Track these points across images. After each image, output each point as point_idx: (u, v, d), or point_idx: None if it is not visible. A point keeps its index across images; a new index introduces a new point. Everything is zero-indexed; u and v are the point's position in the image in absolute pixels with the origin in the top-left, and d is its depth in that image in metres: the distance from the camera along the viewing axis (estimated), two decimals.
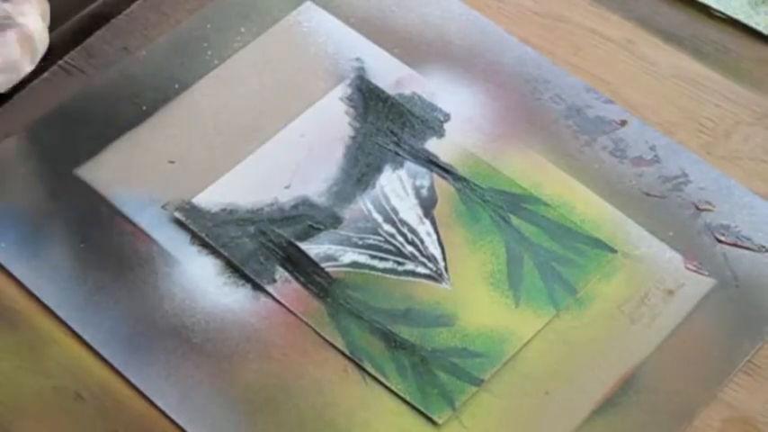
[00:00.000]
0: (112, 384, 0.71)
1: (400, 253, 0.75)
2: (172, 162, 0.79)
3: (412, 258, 0.75)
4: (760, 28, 0.85)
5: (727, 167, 0.79)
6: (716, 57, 0.84)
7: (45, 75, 0.83)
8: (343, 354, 0.72)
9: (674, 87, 0.83)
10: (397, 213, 0.77)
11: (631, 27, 0.85)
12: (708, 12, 0.86)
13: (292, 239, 0.76)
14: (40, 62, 0.85)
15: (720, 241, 0.76)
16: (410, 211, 0.77)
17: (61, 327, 0.73)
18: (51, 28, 0.88)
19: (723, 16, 0.86)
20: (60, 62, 0.83)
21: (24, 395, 0.71)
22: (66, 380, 0.71)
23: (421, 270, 0.75)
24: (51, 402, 0.71)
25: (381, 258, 0.75)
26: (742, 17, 0.85)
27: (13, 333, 0.73)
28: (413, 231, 0.76)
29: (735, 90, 0.82)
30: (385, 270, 0.75)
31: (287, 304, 0.74)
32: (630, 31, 0.85)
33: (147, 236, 0.76)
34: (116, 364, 0.72)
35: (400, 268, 0.75)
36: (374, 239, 0.76)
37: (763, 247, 0.76)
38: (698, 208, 0.77)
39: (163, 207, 0.77)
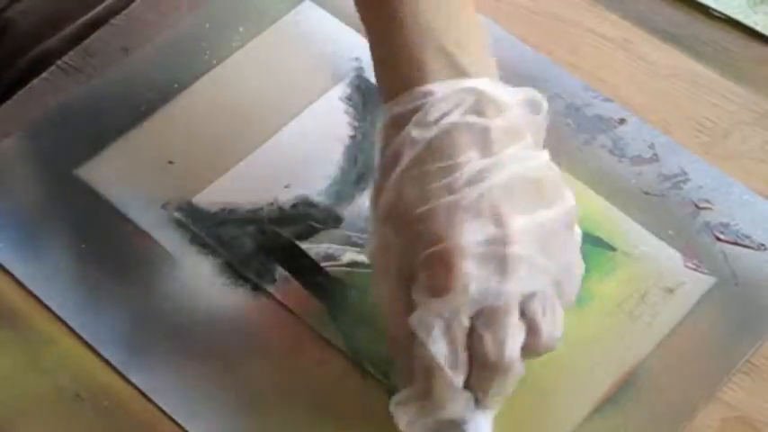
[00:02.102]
0: (112, 384, 0.71)
1: None
2: (171, 162, 0.79)
3: None
4: (758, 28, 0.85)
5: (725, 167, 0.79)
6: (714, 56, 0.84)
7: (44, 75, 0.83)
8: (343, 353, 0.72)
9: (673, 87, 0.83)
10: None
11: (630, 26, 0.85)
12: (706, 11, 0.86)
13: (292, 239, 0.76)
14: (41, 64, 0.85)
15: (720, 239, 0.76)
16: None
17: (60, 327, 0.73)
18: (52, 33, 0.89)
19: (722, 16, 0.86)
20: (59, 62, 0.83)
21: (23, 395, 0.71)
22: (65, 380, 0.71)
23: None
24: (50, 402, 0.71)
25: None
26: (741, 17, 0.85)
27: (13, 333, 0.73)
28: None
29: (733, 90, 0.82)
30: None
31: (287, 304, 0.74)
32: (629, 30, 0.85)
33: (147, 236, 0.76)
34: (116, 364, 0.72)
35: None
36: None
37: (763, 245, 0.76)
38: (697, 206, 0.77)
39: (162, 207, 0.77)
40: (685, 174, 0.78)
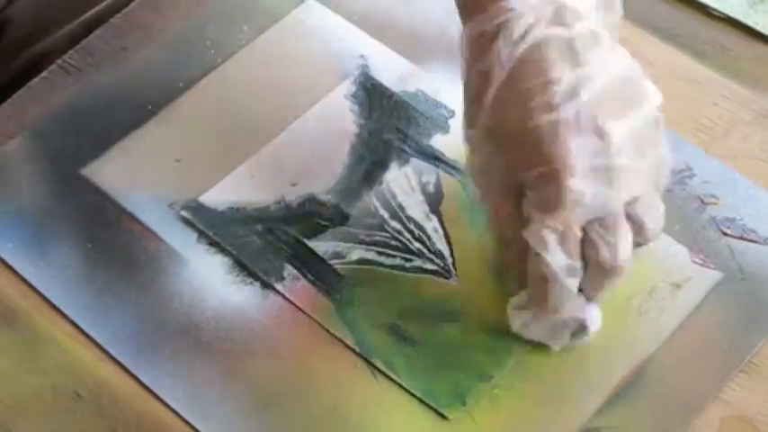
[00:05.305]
0: (111, 383, 0.71)
1: (407, 249, 0.75)
2: (178, 161, 0.79)
3: (419, 255, 0.75)
4: (758, 27, 0.85)
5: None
6: (714, 56, 0.84)
7: (44, 74, 0.82)
8: (352, 350, 0.72)
9: (672, 86, 0.83)
10: (403, 210, 0.77)
11: (629, 26, 0.85)
12: (706, 11, 0.86)
13: (300, 237, 0.76)
14: (40, 62, 0.84)
15: (726, 234, 0.76)
16: (417, 208, 0.77)
17: (61, 326, 0.73)
18: (51, 32, 0.88)
19: (721, 15, 0.86)
20: (59, 62, 0.83)
21: (23, 394, 0.71)
22: (64, 379, 0.71)
23: (428, 266, 0.75)
24: (50, 401, 0.70)
25: (389, 255, 0.75)
26: (740, 16, 0.86)
27: (12, 332, 0.73)
28: (420, 227, 0.76)
29: (733, 89, 0.83)
30: (392, 266, 0.75)
31: (295, 302, 0.74)
32: (629, 30, 0.85)
33: (155, 235, 0.76)
34: (125, 363, 0.71)
35: (408, 264, 0.75)
36: (381, 236, 0.76)
37: None
38: (703, 201, 0.78)
39: (169, 206, 0.77)
40: (691, 169, 0.79)
